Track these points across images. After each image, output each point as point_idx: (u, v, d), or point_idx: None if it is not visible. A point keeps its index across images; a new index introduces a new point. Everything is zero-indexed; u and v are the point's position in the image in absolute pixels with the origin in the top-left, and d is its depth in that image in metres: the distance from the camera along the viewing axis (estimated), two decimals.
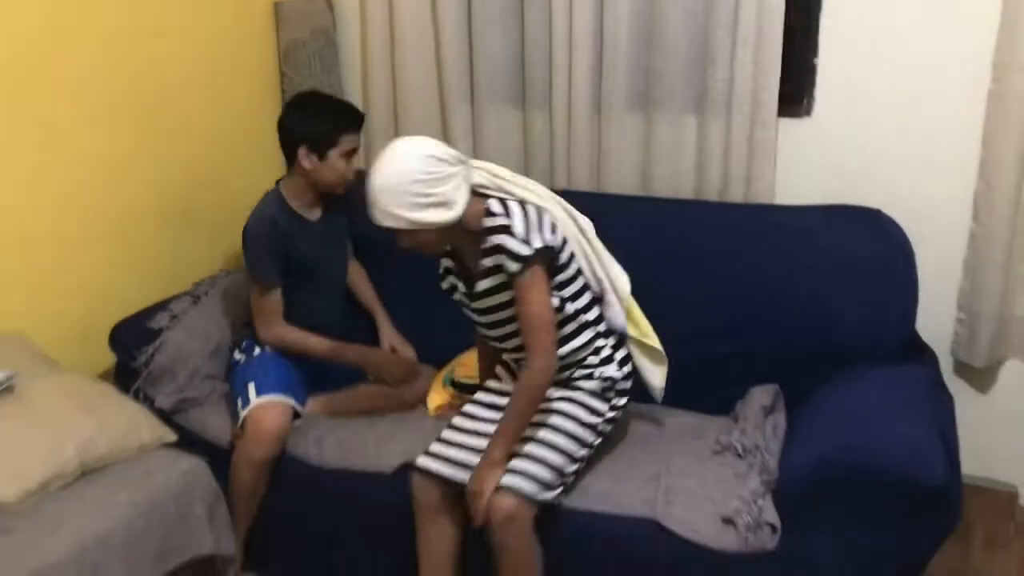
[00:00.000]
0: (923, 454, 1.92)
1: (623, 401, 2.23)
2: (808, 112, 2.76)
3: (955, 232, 2.66)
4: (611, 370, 2.20)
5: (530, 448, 2.09)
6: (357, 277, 2.84)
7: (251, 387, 2.46)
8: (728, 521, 2.01)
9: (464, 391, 2.51)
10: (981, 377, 2.77)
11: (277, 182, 2.60)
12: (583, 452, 2.14)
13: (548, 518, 2.08)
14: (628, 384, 2.23)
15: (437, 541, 2.17)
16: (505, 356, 2.33)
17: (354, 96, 3.30)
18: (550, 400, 2.16)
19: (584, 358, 2.20)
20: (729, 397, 2.45)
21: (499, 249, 2.03)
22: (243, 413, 2.42)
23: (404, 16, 3.09)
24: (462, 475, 2.11)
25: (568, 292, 2.14)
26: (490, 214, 2.06)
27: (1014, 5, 2.42)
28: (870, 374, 2.28)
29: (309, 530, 2.39)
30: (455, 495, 2.14)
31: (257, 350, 2.59)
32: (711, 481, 2.13)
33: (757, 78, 2.68)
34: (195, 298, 2.71)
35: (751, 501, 2.02)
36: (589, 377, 2.19)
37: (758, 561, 1.98)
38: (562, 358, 2.15)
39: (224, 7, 2.98)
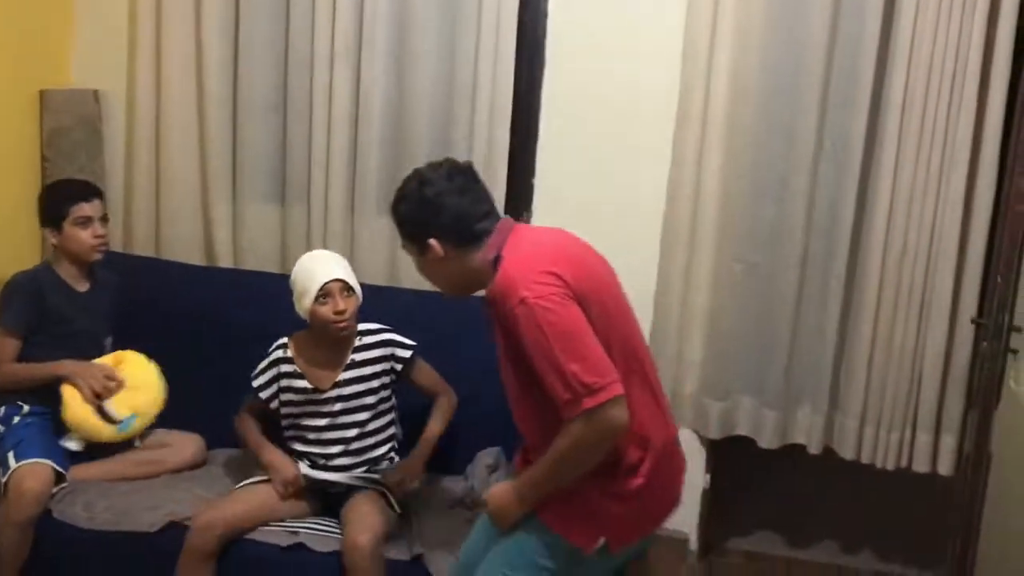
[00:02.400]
0: None
1: None
2: (528, 221, 3.28)
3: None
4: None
5: None
6: None
7: (10, 455, 2.58)
8: None
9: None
10: None
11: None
12: None
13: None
14: None
15: None
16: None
17: (116, 186, 3.45)
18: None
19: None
20: (461, 459, 2.87)
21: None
22: (3, 479, 2.53)
23: (170, 112, 3.31)
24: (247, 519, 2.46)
25: None
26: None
27: (680, 150, 3.10)
28: None
29: None
30: (225, 543, 2.43)
31: (16, 419, 2.70)
32: (449, 527, 2.56)
33: None
34: None
35: None
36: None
37: None
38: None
39: None
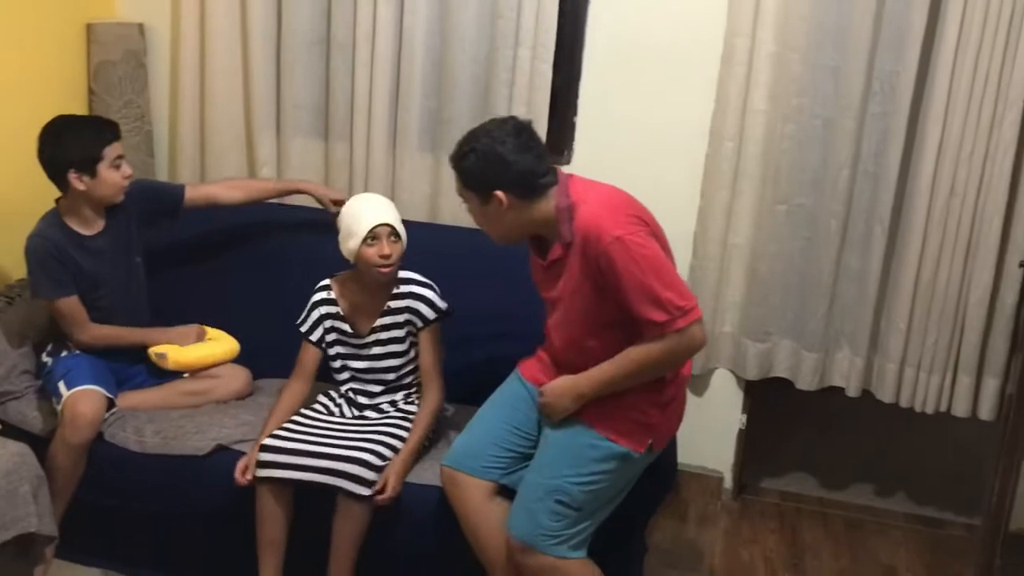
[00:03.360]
0: None
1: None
2: (568, 160, 3.28)
3: (678, 265, 3.25)
4: None
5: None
6: (232, 188, 3.00)
7: (61, 384, 2.62)
8: None
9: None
10: (697, 383, 3.36)
11: (56, 201, 2.74)
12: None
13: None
14: None
15: (273, 523, 2.48)
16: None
17: (161, 120, 3.50)
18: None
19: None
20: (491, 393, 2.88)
21: None
22: (59, 408, 2.58)
23: (215, 46, 3.31)
24: (295, 474, 2.44)
25: None
26: None
27: (725, 93, 3.06)
28: None
29: (130, 514, 2.60)
30: (289, 485, 2.47)
31: (64, 352, 2.75)
32: None
33: None
34: (9, 299, 2.85)
35: None
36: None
37: None
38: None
39: (38, 23, 3.11)
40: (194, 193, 2.93)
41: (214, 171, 3.42)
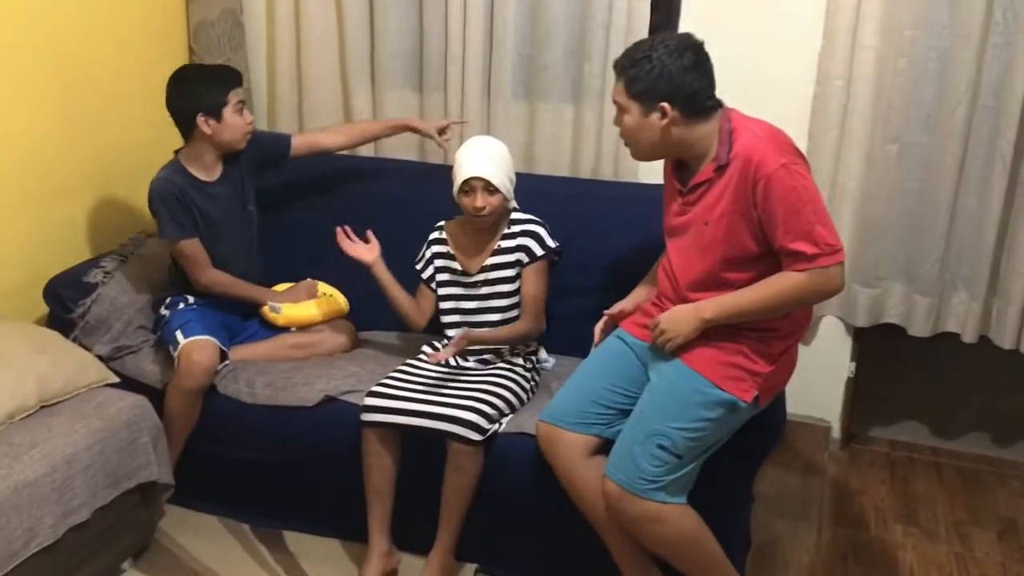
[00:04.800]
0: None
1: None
2: None
3: None
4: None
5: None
6: (335, 132, 3.07)
7: (179, 333, 2.69)
8: None
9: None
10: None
11: (175, 152, 2.82)
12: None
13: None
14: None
15: (380, 472, 2.51)
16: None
17: (259, 76, 3.53)
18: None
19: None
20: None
21: None
22: (175, 354, 2.66)
23: (309, 2, 3.33)
24: (403, 419, 2.46)
25: None
26: None
27: (833, 28, 2.94)
28: None
29: (243, 464, 2.68)
30: (396, 434, 2.50)
31: (181, 305, 2.82)
32: None
33: None
34: (123, 257, 2.94)
35: None
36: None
37: None
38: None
39: None
40: (298, 141, 3.00)
41: (312, 125, 3.44)
